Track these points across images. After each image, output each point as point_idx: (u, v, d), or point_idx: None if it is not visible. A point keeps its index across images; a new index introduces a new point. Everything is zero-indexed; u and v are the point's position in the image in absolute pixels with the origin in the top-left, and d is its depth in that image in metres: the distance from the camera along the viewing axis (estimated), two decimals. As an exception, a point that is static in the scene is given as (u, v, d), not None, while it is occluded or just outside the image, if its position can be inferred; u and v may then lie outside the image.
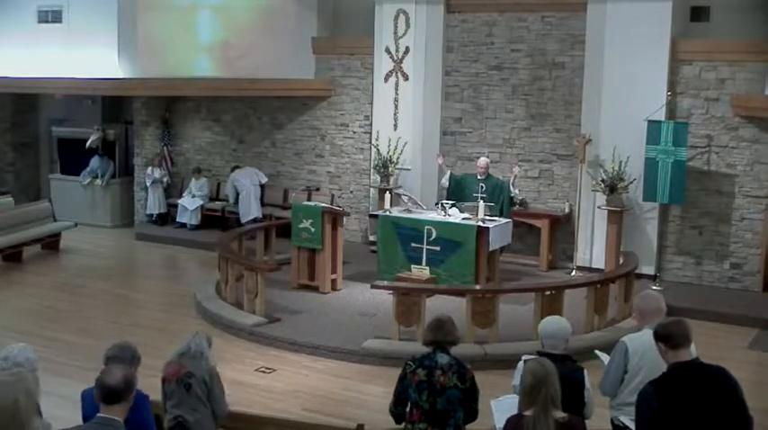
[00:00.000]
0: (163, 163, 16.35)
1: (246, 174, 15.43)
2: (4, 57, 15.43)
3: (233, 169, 15.68)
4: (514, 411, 4.52)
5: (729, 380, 4.48)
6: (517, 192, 12.82)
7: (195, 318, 10.85)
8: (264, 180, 15.60)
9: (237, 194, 15.43)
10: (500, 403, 5.24)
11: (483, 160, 12.72)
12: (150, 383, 5.57)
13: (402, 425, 5.39)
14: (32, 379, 4.20)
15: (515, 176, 12.63)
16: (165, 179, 16.24)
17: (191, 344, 5.82)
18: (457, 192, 12.50)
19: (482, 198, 12.05)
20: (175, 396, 5.67)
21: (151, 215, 16.32)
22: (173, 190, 16.54)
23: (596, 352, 6.09)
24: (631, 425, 5.22)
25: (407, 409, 5.30)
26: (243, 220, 15.16)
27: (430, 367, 5.23)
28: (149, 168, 16.20)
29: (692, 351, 4.62)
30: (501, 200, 12.29)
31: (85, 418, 4.96)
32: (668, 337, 4.53)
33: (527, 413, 4.31)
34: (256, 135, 16.20)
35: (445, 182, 12.76)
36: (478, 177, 12.50)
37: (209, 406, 5.77)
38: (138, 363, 5.17)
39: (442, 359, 5.25)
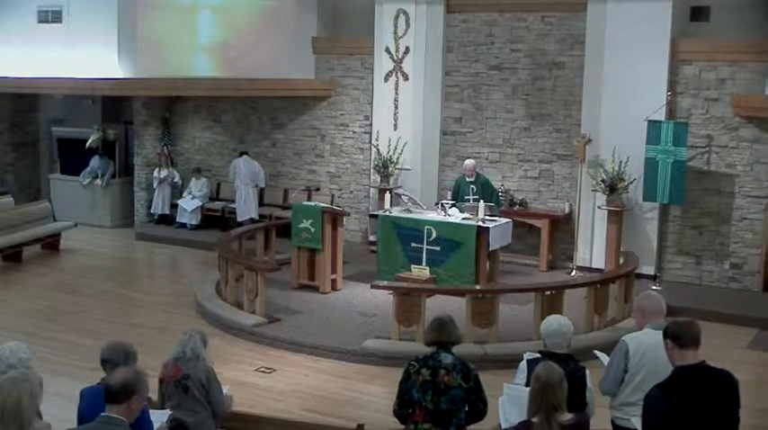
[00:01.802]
0: (167, 162, 16.31)
1: (248, 169, 15.35)
2: (4, 57, 15.42)
3: (241, 154, 15.61)
4: (523, 406, 4.55)
5: (734, 384, 4.48)
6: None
7: (195, 318, 10.84)
8: (263, 185, 15.60)
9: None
10: (511, 393, 5.21)
11: (469, 162, 12.68)
12: (150, 383, 5.55)
13: (405, 426, 5.38)
14: (37, 381, 4.21)
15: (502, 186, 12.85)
16: (175, 179, 16.20)
17: (186, 349, 5.80)
18: (453, 196, 12.53)
19: (474, 199, 12.08)
20: (174, 398, 5.67)
21: (158, 215, 16.29)
22: (174, 190, 16.51)
23: (595, 352, 6.07)
24: (630, 424, 5.21)
25: (410, 410, 5.30)
26: (238, 219, 15.18)
27: (434, 367, 5.22)
28: (156, 170, 16.20)
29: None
30: (491, 196, 12.30)
31: (80, 415, 4.97)
32: (677, 336, 4.51)
33: (534, 420, 4.35)
34: (256, 135, 16.19)
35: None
36: (467, 179, 12.49)
37: (209, 407, 5.77)
38: (133, 363, 5.13)
39: (446, 359, 5.25)
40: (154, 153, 16.48)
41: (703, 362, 4.52)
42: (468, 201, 12.11)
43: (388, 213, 12.10)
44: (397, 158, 14.10)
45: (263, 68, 14.80)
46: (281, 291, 11.63)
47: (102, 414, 4.18)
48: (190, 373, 5.72)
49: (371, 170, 14.58)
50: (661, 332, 4.70)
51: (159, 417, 5.39)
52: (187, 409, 5.68)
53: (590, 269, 12.76)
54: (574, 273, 12.82)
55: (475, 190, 12.33)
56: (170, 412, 5.54)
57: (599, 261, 12.73)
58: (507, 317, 10.11)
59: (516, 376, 5.38)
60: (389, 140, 14.19)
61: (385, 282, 10.81)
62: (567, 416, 4.37)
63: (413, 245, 11.64)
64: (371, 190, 14.66)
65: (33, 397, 4.04)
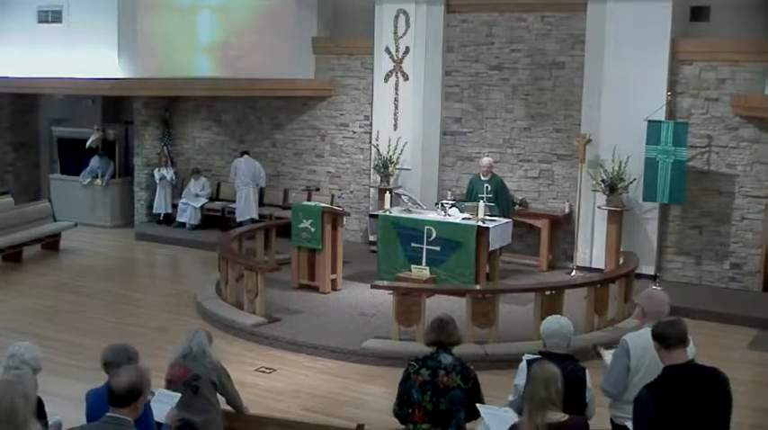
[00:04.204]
0: (167, 162, 16.31)
1: (249, 168, 15.35)
2: (4, 57, 15.43)
3: (242, 153, 15.63)
4: (507, 421, 4.58)
5: (723, 382, 4.47)
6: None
7: (195, 318, 10.84)
8: (263, 185, 15.61)
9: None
10: (488, 411, 5.22)
11: (486, 160, 12.68)
12: (152, 383, 5.56)
13: (404, 426, 5.38)
14: (31, 381, 4.22)
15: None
16: (171, 176, 16.19)
17: (192, 344, 5.81)
18: (467, 195, 12.54)
19: (488, 198, 12.07)
20: (183, 398, 5.65)
21: (158, 215, 16.31)
22: (174, 189, 16.50)
23: (599, 349, 6.01)
24: (627, 423, 5.21)
25: (409, 410, 5.30)
26: (238, 219, 15.18)
27: (434, 367, 5.22)
28: (157, 169, 16.20)
29: (690, 351, 4.61)
30: (505, 199, 12.30)
31: (90, 419, 4.97)
32: (663, 338, 4.50)
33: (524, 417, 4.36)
34: (256, 135, 16.20)
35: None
36: (482, 178, 12.48)
37: (218, 406, 5.77)
38: (134, 364, 5.11)
39: (446, 359, 5.25)
40: (154, 153, 16.48)
41: (691, 360, 4.51)
42: (483, 199, 12.03)
43: (388, 213, 12.10)
44: (397, 158, 14.10)
45: (263, 68, 14.80)
46: (281, 291, 11.63)
47: (108, 414, 4.19)
48: (200, 374, 5.73)
49: (371, 170, 14.58)
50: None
51: (169, 400, 5.38)
52: (196, 409, 5.69)
53: (590, 269, 12.76)
54: (574, 273, 12.82)
55: (489, 189, 12.30)
56: (179, 395, 5.52)
57: (599, 261, 12.73)
58: (507, 317, 10.10)
59: (516, 376, 5.38)
60: (389, 140, 14.19)
61: (385, 282, 10.81)
62: (559, 415, 4.34)
63: (413, 245, 11.64)
64: (371, 190, 14.66)
65: (28, 398, 4.04)
